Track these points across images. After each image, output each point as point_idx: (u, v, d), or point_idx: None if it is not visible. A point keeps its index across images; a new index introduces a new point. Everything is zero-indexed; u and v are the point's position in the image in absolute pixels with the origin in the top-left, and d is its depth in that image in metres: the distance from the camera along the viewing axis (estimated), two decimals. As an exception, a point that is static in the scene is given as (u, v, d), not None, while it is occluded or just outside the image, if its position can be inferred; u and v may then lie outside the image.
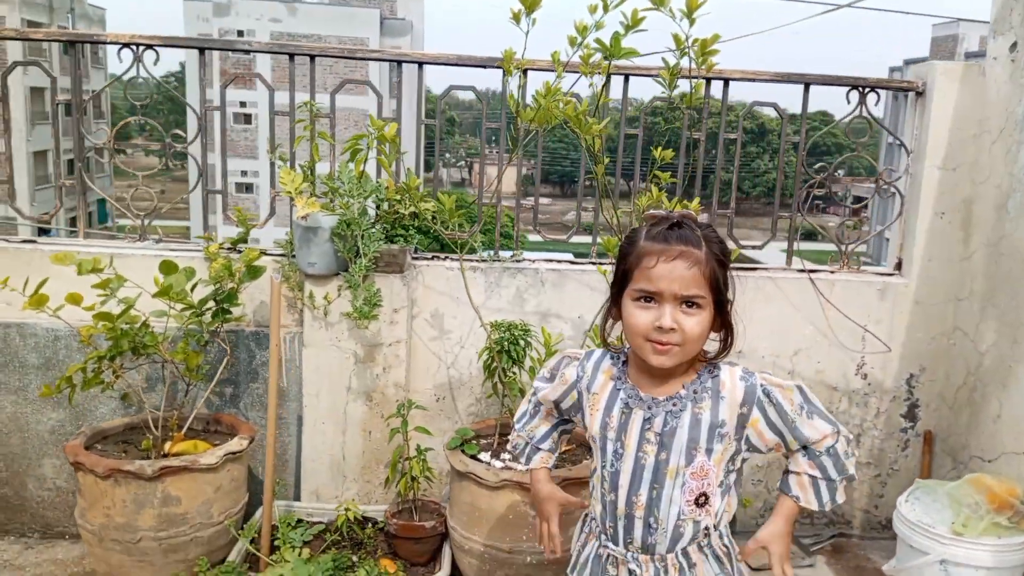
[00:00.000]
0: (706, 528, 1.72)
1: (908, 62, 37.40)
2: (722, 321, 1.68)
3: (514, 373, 3.01)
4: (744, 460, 1.76)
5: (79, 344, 3.28)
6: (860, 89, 3.41)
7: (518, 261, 3.44)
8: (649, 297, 1.62)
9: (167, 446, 2.88)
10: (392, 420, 3.16)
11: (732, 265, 1.70)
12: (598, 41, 2.18)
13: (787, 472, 1.79)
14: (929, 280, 3.52)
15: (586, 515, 1.89)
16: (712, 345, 1.76)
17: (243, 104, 33.09)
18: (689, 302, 1.60)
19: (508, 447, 2.82)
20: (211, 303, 3.00)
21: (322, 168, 3.32)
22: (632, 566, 1.72)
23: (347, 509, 2.91)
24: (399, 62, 3.29)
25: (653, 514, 1.68)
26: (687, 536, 1.70)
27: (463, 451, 2.86)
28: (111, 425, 2.99)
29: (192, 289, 2.91)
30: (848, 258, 3.62)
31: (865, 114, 3.47)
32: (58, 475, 3.39)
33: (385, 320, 3.20)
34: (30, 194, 29.22)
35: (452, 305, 3.38)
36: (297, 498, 3.37)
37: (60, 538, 3.45)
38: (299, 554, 2.63)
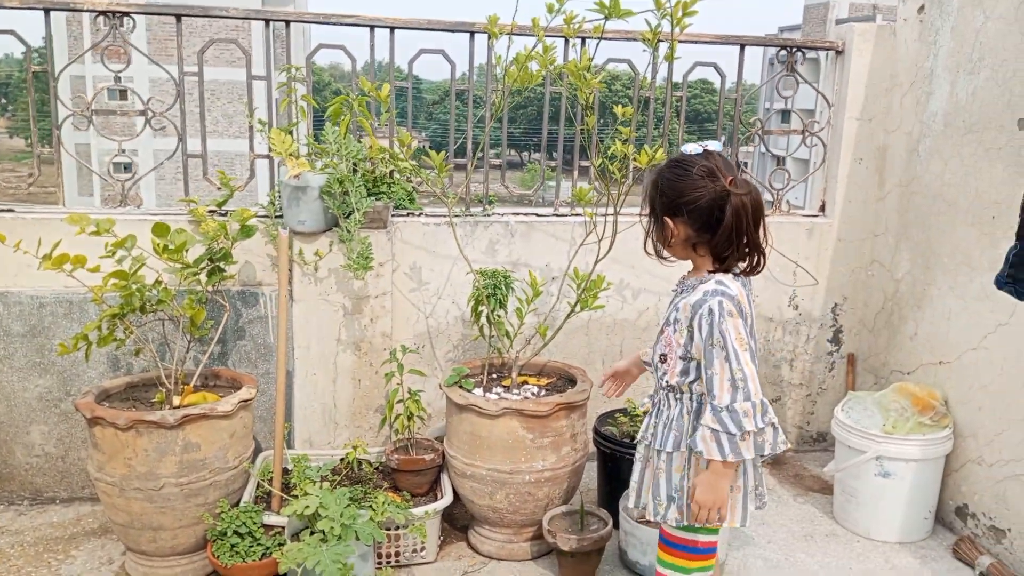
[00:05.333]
0: (667, 383, 2.20)
1: (783, 29, 38.89)
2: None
3: (499, 315, 3.26)
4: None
5: (64, 311, 3.33)
6: (788, 49, 3.80)
7: (488, 215, 3.68)
8: None
9: (175, 400, 3.00)
10: (384, 367, 3.39)
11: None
12: (599, 3, 2.43)
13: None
14: (849, 219, 3.97)
15: None
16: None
17: (118, 79, 31.17)
18: None
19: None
20: (206, 263, 3.12)
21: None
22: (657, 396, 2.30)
23: (355, 447, 3.11)
24: (372, 27, 3.44)
25: (652, 359, 2.28)
26: (661, 380, 2.23)
27: (460, 386, 3.10)
28: (113, 384, 3.07)
29: (186, 250, 3.02)
30: (780, 202, 4.03)
31: (792, 72, 3.87)
32: (47, 441, 3.44)
33: (372, 273, 3.39)
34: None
35: (428, 258, 3.60)
36: (291, 447, 3.54)
37: (51, 503, 3.50)
38: (319, 487, 2.82)
